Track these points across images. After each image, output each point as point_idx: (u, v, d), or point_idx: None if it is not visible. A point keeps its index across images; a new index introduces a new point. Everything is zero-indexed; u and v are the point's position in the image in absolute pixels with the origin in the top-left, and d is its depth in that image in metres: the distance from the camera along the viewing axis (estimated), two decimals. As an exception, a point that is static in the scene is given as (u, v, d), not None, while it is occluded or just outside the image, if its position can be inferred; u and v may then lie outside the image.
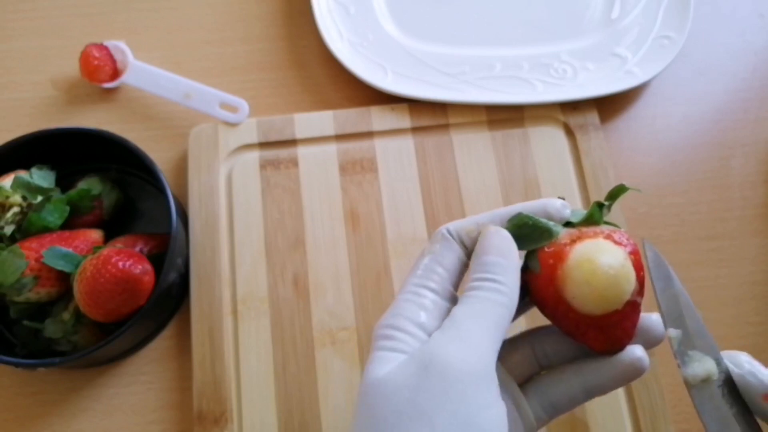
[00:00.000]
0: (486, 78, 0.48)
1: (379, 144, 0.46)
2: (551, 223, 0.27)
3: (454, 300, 0.28)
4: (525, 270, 0.28)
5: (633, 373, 0.27)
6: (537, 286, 0.27)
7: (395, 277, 0.42)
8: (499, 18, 0.51)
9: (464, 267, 0.29)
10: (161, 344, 0.42)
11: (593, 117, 0.47)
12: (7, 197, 0.38)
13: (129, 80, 0.48)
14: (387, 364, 0.25)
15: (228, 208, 0.44)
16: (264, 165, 0.45)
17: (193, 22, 0.52)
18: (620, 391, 0.39)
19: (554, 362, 0.30)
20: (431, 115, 0.47)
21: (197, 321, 0.41)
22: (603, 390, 0.28)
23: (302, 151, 0.46)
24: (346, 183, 0.45)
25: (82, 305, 0.36)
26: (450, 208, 0.44)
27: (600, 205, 0.28)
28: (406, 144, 0.46)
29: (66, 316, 0.38)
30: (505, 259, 0.26)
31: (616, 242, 0.26)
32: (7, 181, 0.39)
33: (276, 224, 0.43)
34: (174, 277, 0.40)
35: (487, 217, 0.29)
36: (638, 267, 0.26)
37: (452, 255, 0.28)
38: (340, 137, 0.46)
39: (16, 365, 0.36)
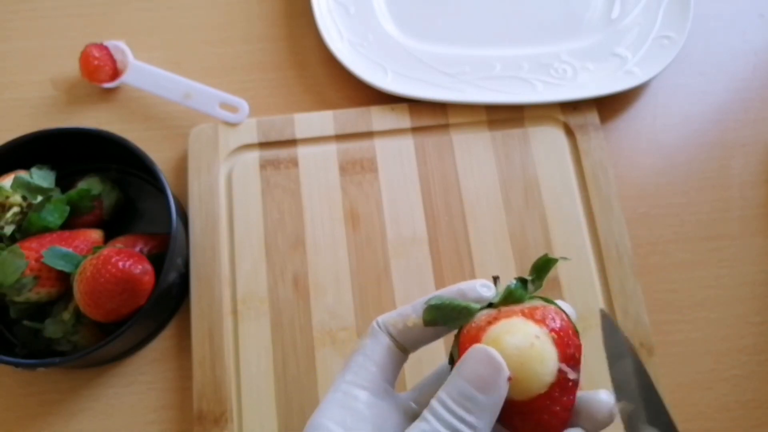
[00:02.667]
0: (486, 78, 0.48)
1: (379, 144, 0.46)
2: (468, 303, 0.26)
3: (388, 396, 0.27)
4: (451, 356, 0.27)
5: None
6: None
7: (395, 277, 0.42)
8: (499, 18, 0.51)
9: (398, 359, 0.28)
10: (161, 344, 0.42)
11: (593, 117, 0.47)
12: (7, 197, 0.38)
13: (129, 80, 0.48)
14: None
15: (228, 208, 0.44)
16: (264, 165, 0.45)
17: (193, 22, 0.52)
18: (620, 391, 0.39)
19: None
20: (431, 115, 0.47)
21: (197, 321, 0.41)
22: None
23: (302, 151, 0.46)
24: (346, 183, 0.45)
25: (82, 305, 0.36)
26: (450, 208, 0.44)
27: (522, 281, 0.26)
28: (406, 144, 0.46)
29: (66, 316, 0.38)
30: (485, 396, 0.23)
31: (535, 320, 0.24)
32: (7, 181, 0.39)
33: (276, 224, 0.43)
34: (174, 277, 0.40)
35: (411, 307, 0.28)
36: (564, 344, 0.24)
37: (382, 349, 0.27)
38: (340, 137, 0.46)
39: (16, 365, 0.36)
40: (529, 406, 0.24)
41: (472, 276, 0.42)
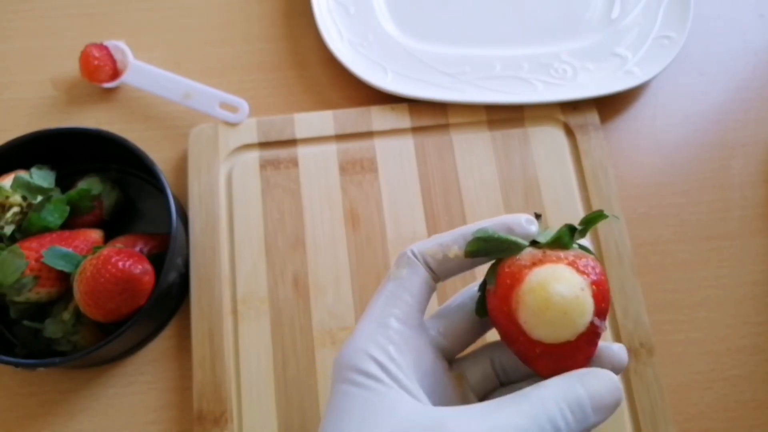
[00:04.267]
0: (486, 78, 0.48)
1: (379, 144, 0.46)
2: (516, 238, 0.26)
3: (422, 329, 0.27)
4: (484, 284, 0.27)
5: None
6: (492, 304, 0.26)
7: (395, 277, 0.42)
8: (499, 18, 0.51)
9: (431, 291, 0.28)
10: (161, 344, 0.42)
11: (593, 117, 0.47)
12: (7, 197, 0.38)
13: (129, 80, 0.48)
14: (351, 410, 0.24)
15: (228, 208, 0.44)
16: (264, 165, 0.45)
17: (193, 22, 0.52)
18: (620, 391, 0.39)
19: (512, 378, 0.29)
20: (431, 115, 0.47)
21: (197, 321, 0.41)
22: None
23: (302, 151, 0.46)
24: (346, 183, 0.45)
25: (82, 305, 0.36)
26: (450, 208, 0.44)
27: (571, 229, 0.26)
28: (406, 144, 0.46)
29: (66, 316, 0.38)
30: (594, 417, 0.24)
31: (578, 270, 0.25)
32: (7, 181, 0.39)
33: (276, 224, 0.44)
34: (174, 277, 0.40)
35: (451, 237, 0.27)
36: (600, 298, 0.25)
37: (419, 280, 0.27)
38: (340, 137, 0.46)
39: (16, 365, 0.36)
40: (555, 349, 0.24)
41: (472, 276, 0.42)
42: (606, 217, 0.26)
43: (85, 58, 0.47)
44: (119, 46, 0.48)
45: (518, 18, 0.51)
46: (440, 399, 0.27)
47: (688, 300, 0.43)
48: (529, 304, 0.24)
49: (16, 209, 0.38)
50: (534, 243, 0.26)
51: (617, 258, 0.42)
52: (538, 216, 0.28)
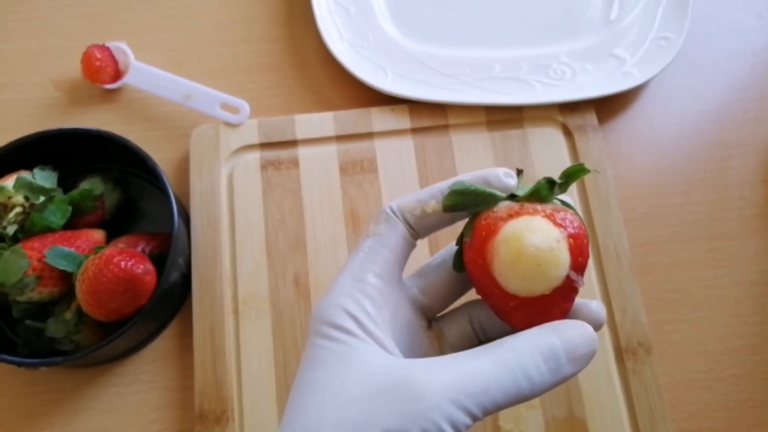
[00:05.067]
0: (485, 79, 0.48)
1: (379, 145, 0.46)
2: (493, 191, 0.25)
3: (400, 286, 0.27)
4: (461, 237, 0.27)
5: None
6: (468, 257, 0.26)
7: (395, 277, 0.42)
8: (499, 19, 0.51)
9: (410, 248, 0.27)
10: (163, 344, 0.42)
11: (592, 118, 0.47)
12: (10, 197, 0.38)
13: (131, 81, 0.48)
14: (322, 364, 0.24)
15: (229, 209, 0.44)
16: (265, 165, 0.45)
17: (195, 24, 0.52)
18: (618, 391, 0.40)
19: (490, 336, 0.29)
20: (431, 116, 0.47)
21: (199, 321, 0.41)
22: None
23: (303, 152, 0.46)
24: (347, 183, 0.45)
25: (84, 305, 0.36)
26: (450, 208, 0.44)
27: (550, 182, 0.25)
28: (406, 145, 0.46)
29: (68, 315, 0.38)
30: (569, 367, 0.23)
31: (555, 222, 0.24)
32: (10, 181, 0.39)
33: (277, 224, 0.44)
34: (175, 276, 0.40)
35: (428, 192, 0.27)
36: (578, 252, 0.24)
37: (398, 236, 0.27)
38: (340, 138, 0.46)
39: (19, 365, 0.36)
40: (529, 302, 0.24)
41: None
42: (588, 171, 0.26)
43: (87, 59, 0.47)
44: (121, 47, 0.49)
45: (517, 19, 0.51)
46: (417, 356, 0.27)
47: (686, 300, 0.43)
48: (502, 256, 0.24)
49: (18, 209, 0.39)
50: (512, 197, 0.26)
51: (615, 258, 0.43)
52: (519, 171, 0.27)
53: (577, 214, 0.25)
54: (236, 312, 0.41)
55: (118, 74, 0.48)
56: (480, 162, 0.46)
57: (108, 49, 0.48)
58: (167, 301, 0.41)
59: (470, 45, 0.50)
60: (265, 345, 0.41)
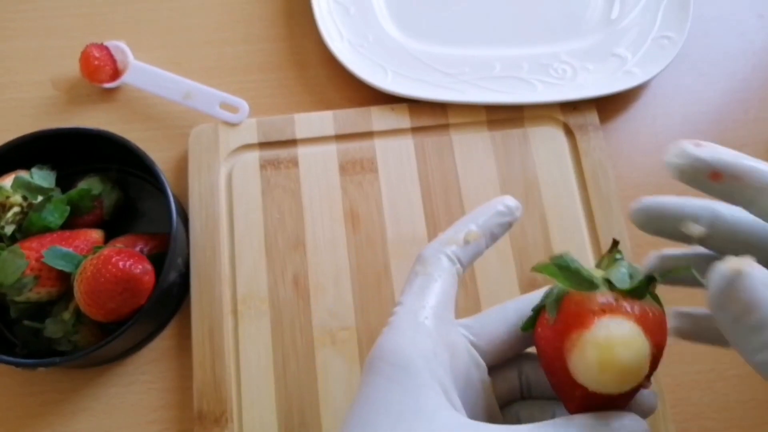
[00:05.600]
0: (486, 78, 0.48)
1: (379, 144, 0.46)
2: (594, 276, 0.24)
3: (454, 326, 0.27)
4: (540, 308, 0.26)
5: None
6: (545, 333, 0.25)
7: (395, 277, 0.42)
8: (499, 18, 0.51)
9: (457, 286, 0.27)
10: (161, 344, 0.42)
11: (593, 117, 0.47)
12: (8, 197, 0.38)
13: (129, 80, 0.48)
14: (385, 406, 0.23)
15: (228, 208, 0.44)
16: (264, 165, 0.45)
17: (194, 23, 0.52)
18: (620, 391, 0.39)
19: (534, 394, 0.28)
20: (431, 115, 0.47)
21: (197, 321, 0.41)
22: None
23: (302, 151, 0.46)
24: (346, 183, 0.45)
25: (83, 305, 0.36)
26: (450, 208, 0.44)
27: (650, 279, 0.24)
28: (406, 144, 0.46)
29: (66, 315, 0.38)
30: None
31: (647, 329, 0.23)
32: (8, 181, 0.39)
33: (276, 224, 0.44)
34: (174, 276, 0.40)
35: (462, 223, 0.28)
36: (656, 360, 0.23)
37: (445, 272, 0.27)
38: (340, 137, 0.46)
39: (17, 365, 0.36)
40: (594, 397, 0.23)
41: (471, 275, 0.42)
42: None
43: (85, 59, 0.47)
44: (120, 46, 0.48)
45: (518, 18, 0.51)
46: (470, 404, 0.26)
47: (687, 300, 0.43)
48: (586, 356, 0.23)
49: (16, 209, 0.38)
50: (609, 283, 0.24)
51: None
52: (616, 243, 0.26)
53: (663, 312, 0.25)
54: (235, 312, 0.41)
55: (116, 73, 0.48)
56: (480, 161, 0.45)
57: (106, 48, 0.48)
58: (166, 302, 0.41)
59: (471, 44, 0.50)
60: (264, 345, 0.40)
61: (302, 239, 0.43)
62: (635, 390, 0.24)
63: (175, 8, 0.52)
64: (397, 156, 0.46)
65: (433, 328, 0.24)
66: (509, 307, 0.29)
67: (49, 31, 0.51)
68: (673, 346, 0.43)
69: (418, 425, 0.21)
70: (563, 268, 0.25)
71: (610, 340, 0.22)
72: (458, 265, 0.27)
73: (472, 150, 0.46)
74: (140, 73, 0.48)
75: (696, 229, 0.24)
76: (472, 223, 0.28)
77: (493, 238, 0.28)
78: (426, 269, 0.26)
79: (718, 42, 0.51)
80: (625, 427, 0.23)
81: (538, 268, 0.25)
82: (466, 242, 0.27)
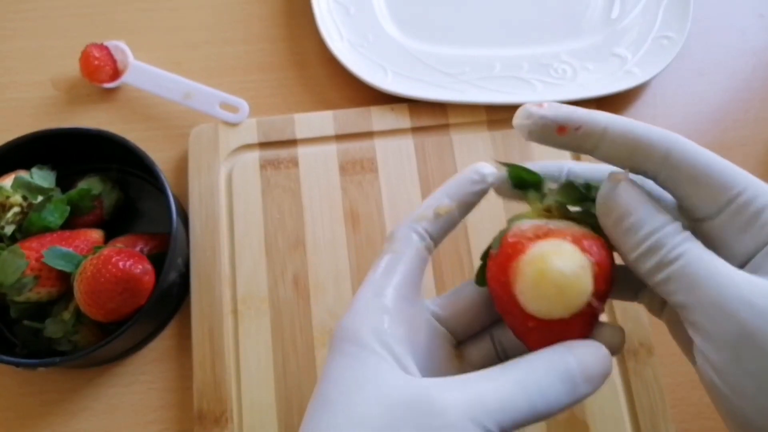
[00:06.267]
0: (486, 78, 0.48)
1: (379, 144, 0.46)
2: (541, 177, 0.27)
3: (418, 302, 0.27)
4: (487, 252, 0.27)
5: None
6: (491, 272, 0.26)
7: (395, 277, 0.42)
8: (499, 18, 0.51)
9: (425, 262, 0.28)
10: (161, 344, 0.42)
11: (593, 117, 0.47)
12: (8, 197, 0.38)
13: (129, 80, 0.48)
14: (340, 380, 0.23)
15: (228, 208, 0.44)
16: (264, 165, 0.45)
17: (194, 23, 0.52)
18: (620, 391, 0.39)
19: (510, 357, 0.28)
20: (431, 115, 0.47)
21: (197, 321, 0.41)
22: None
23: (302, 151, 0.46)
24: (346, 183, 0.45)
25: (83, 305, 0.36)
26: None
27: (570, 185, 0.26)
28: (406, 144, 0.46)
29: (66, 315, 0.38)
30: (585, 387, 0.23)
31: (582, 248, 0.24)
32: (8, 181, 0.39)
33: (276, 224, 0.44)
34: (174, 276, 0.40)
35: (434, 198, 0.28)
36: (601, 279, 0.24)
37: (413, 250, 0.27)
38: (340, 137, 0.46)
39: (17, 365, 0.36)
40: (547, 325, 0.24)
41: (472, 275, 0.42)
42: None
43: (85, 58, 0.47)
44: (119, 46, 0.48)
45: (518, 18, 0.51)
46: (435, 374, 0.27)
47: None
48: (526, 276, 0.24)
49: (16, 209, 0.38)
50: (542, 194, 0.27)
51: (616, 257, 0.42)
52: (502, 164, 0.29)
53: (604, 240, 0.25)
54: (235, 312, 0.41)
55: (116, 73, 0.48)
56: (481, 161, 0.45)
57: (106, 48, 0.48)
58: (166, 302, 0.41)
59: (471, 44, 0.50)
60: (264, 345, 0.40)
61: (302, 239, 0.43)
62: (588, 316, 0.24)
63: (175, 8, 0.52)
64: (397, 156, 0.46)
65: (390, 305, 0.25)
66: (470, 281, 0.30)
67: (49, 31, 0.51)
68: (674, 347, 0.43)
69: (369, 391, 0.23)
70: (524, 169, 0.28)
71: (543, 253, 0.24)
72: (429, 241, 0.28)
73: (472, 150, 0.46)
74: (140, 73, 0.48)
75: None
76: (444, 195, 0.28)
77: (468, 207, 0.28)
78: (393, 247, 0.27)
79: (719, 42, 0.51)
80: (582, 354, 0.23)
81: (511, 176, 0.28)
82: (437, 215, 0.28)
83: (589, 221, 0.26)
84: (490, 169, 0.29)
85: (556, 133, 0.25)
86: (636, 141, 0.24)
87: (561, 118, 0.25)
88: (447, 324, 0.29)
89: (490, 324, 0.29)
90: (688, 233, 0.23)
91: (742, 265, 0.23)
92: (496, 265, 0.25)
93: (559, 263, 0.23)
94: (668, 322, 0.28)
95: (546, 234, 0.25)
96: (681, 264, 0.22)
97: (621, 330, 0.26)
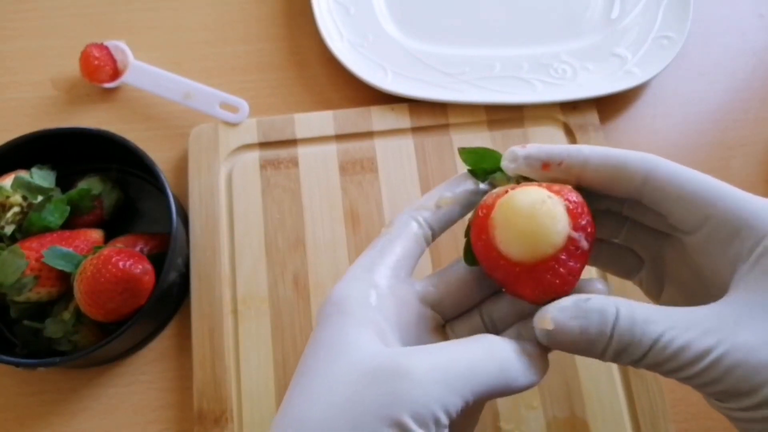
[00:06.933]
0: (486, 78, 0.48)
1: (379, 144, 0.46)
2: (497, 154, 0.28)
3: (409, 282, 0.28)
4: (469, 228, 0.27)
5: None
6: (473, 237, 0.26)
7: (395, 277, 0.42)
8: (499, 18, 0.51)
9: (421, 249, 0.28)
10: (161, 344, 0.42)
11: (593, 117, 0.47)
12: (8, 197, 0.38)
13: (129, 80, 0.48)
14: (321, 346, 0.24)
15: (228, 208, 0.44)
16: (264, 165, 0.45)
17: (194, 22, 0.52)
18: (620, 391, 0.39)
19: (500, 330, 0.29)
20: (431, 115, 0.47)
21: (197, 321, 0.41)
22: None
23: (302, 151, 0.46)
24: (346, 183, 0.45)
25: (83, 305, 0.36)
26: (450, 208, 0.44)
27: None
28: (406, 144, 0.46)
29: (66, 315, 0.38)
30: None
31: (552, 189, 0.25)
32: (8, 181, 0.39)
33: (276, 224, 0.44)
34: (174, 276, 0.40)
35: (435, 191, 0.29)
36: (576, 213, 0.24)
37: (409, 235, 0.28)
38: (340, 137, 0.46)
39: (17, 365, 0.36)
40: (534, 268, 0.24)
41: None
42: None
43: (85, 58, 0.47)
44: (119, 46, 0.48)
45: (518, 18, 0.51)
46: None
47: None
48: (498, 220, 0.25)
49: (16, 209, 0.38)
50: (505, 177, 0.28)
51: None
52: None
53: (578, 191, 0.26)
54: (235, 312, 0.41)
55: (116, 73, 0.48)
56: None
57: (106, 48, 0.48)
58: (166, 302, 0.41)
59: (471, 44, 0.50)
60: (264, 345, 0.40)
61: (302, 239, 0.43)
62: (572, 251, 0.24)
63: (175, 8, 0.52)
64: (397, 156, 0.46)
65: (379, 281, 0.26)
66: (459, 260, 0.30)
67: (49, 31, 0.51)
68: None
69: (342, 360, 0.23)
70: (475, 150, 0.29)
71: (510, 196, 0.25)
72: (427, 230, 0.28)
73: (472, 150, 0.46)
74: (140, 73, 0.48)
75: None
76: (447, 190, 0.29)
77: (467, 208, 0.29)
78: (390, 230, 0.28)
79: (719, 42, 0.51)
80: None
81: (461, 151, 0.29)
82: (438, 207, 0.28)
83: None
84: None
85: (541, 170, 0.27)
86: (615, 168, 0.26)
87: (543, 157, 0.27)
88: (436, 301, 0.29)
89: (480, 301, 0.30)
90: (617, 301, 0.23)
91: (729, 275, 0.24)
92: (476, 228, 0.26)
93: (523, 197, 0.24)
94: None
95: (514, 187, 0.26)
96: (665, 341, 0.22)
97: (604, 283, 0.27)
